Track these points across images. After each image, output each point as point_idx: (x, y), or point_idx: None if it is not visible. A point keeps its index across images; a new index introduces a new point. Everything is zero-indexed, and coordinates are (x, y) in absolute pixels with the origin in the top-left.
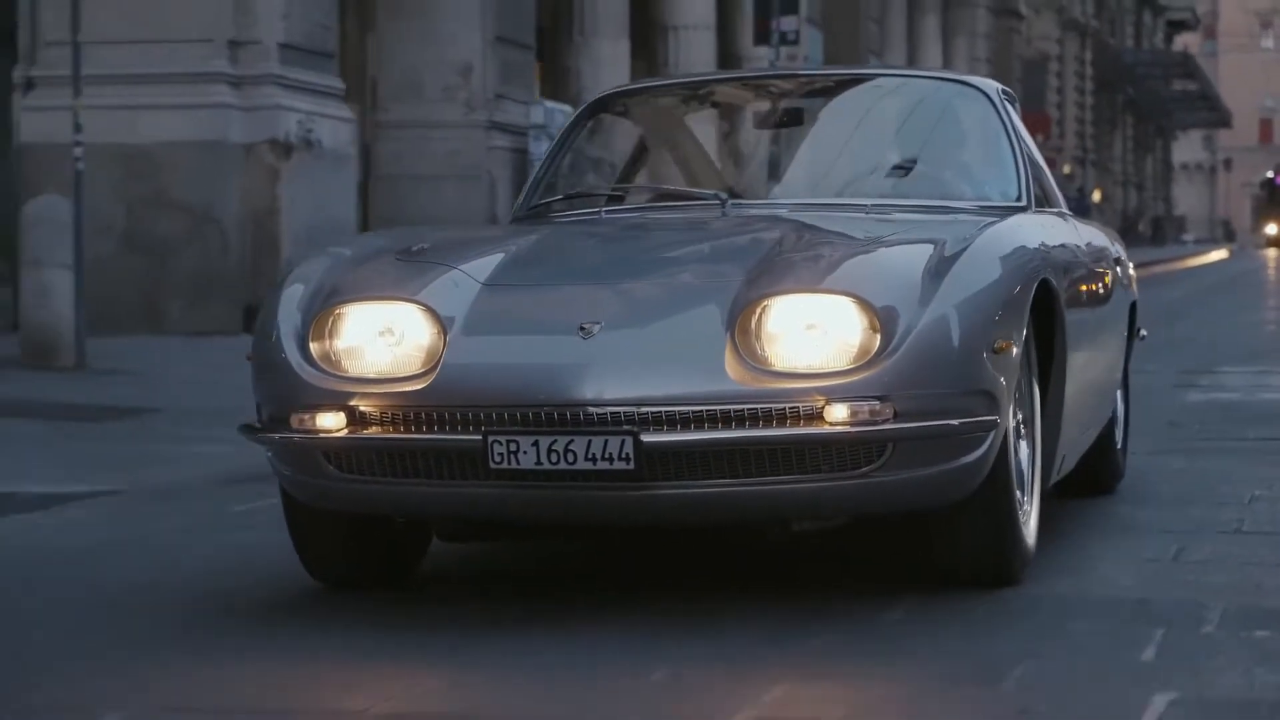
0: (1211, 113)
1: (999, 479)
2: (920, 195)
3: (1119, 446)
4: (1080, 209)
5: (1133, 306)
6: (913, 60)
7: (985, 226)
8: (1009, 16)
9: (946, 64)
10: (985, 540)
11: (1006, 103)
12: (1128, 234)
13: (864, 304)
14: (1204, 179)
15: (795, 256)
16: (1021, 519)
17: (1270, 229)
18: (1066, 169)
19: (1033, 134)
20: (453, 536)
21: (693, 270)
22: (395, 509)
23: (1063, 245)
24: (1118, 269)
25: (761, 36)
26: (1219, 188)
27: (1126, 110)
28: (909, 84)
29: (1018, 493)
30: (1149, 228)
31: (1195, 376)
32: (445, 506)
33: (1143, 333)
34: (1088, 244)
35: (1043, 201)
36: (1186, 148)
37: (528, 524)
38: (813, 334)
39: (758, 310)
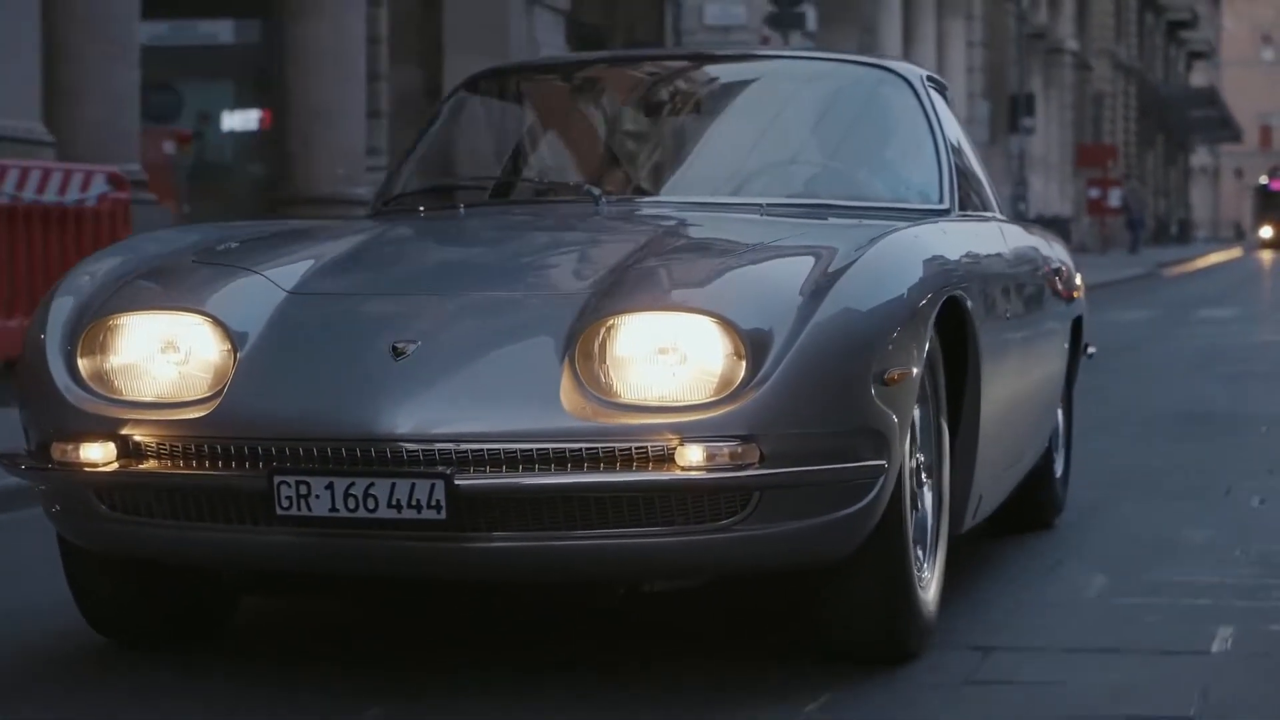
0: (1226, 129)
1: (889, 533)
2: (827, 195)
3: (1058, 475)
4: (1137, 223)
5: (1077, 321)
6: (907, 39)
7: (883, 235)
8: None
9: (940, 47)
10: (872, 608)
11: (932, 91)
12: (1160, 235)
13: (727, 325)
14: (1208, 181)
15: (653, 267)
16: (919, 581)
17: (1265, 232)
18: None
19: (1100, 162)
20: (245, 588)
21: (533, 281)
22: (174, 556)
23: (983, 255)
24: (1057, 280)
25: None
26: (1223, 190)
27: (1158, 131)
28: (821, 68)
29: (915, 550)
30: (1177, 229)
31: None
32: (228, 555)
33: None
34: (1016, 253)
35: (971, 204)
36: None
37: (322, 577)
38: (666, 360)
39: (601, 330)
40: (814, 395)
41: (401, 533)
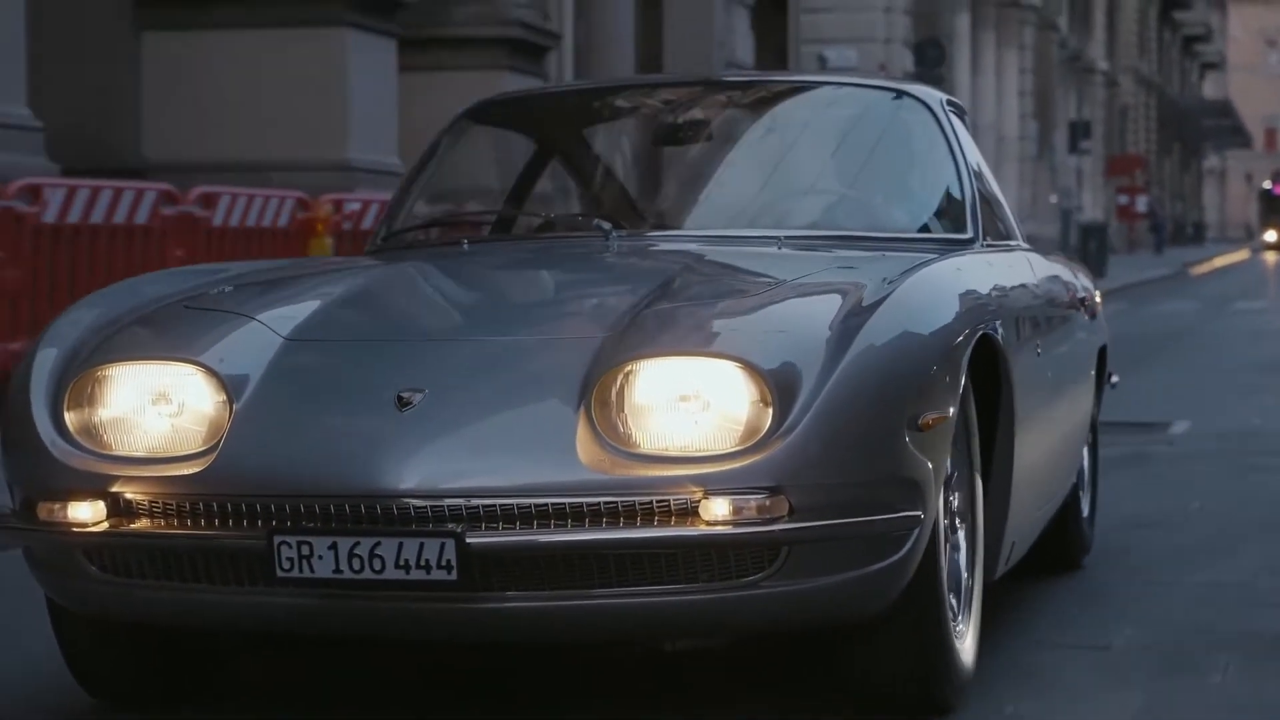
0: (1237, 136)
1: (925, 586)
2: (848, 225)
3: (1085, 515)
4: (1161, 226)
5: (1101, 351)
6: (974, 70)
7: (913, 269)
8: (1050, 29)
9: (998, 75)
10: (908, 663)
11: (952, 115)
12: (1178, 236)
13: (752, 370)
14: (1216, 183)
15: (672, 309)
16: (955, 633)
17: (1269, 235)
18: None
19: (1128, 171)
20: (241, 647)
21: (544, 325)
22: (168, 619)
23: (1014, 288)
24: (1083, 309)
25: None
26: (1230, 192)
27: (1175, 140)
28: (837, 93)
29: (950, 599)
30: (1192, 230)
31: None
32: (225, 618)
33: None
34: (1044, 284)
35: (995, 233)
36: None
37: (326, 639)
38: (689, 408)
39: (619, 377)
40: (845, 443)
41: (410, 594)
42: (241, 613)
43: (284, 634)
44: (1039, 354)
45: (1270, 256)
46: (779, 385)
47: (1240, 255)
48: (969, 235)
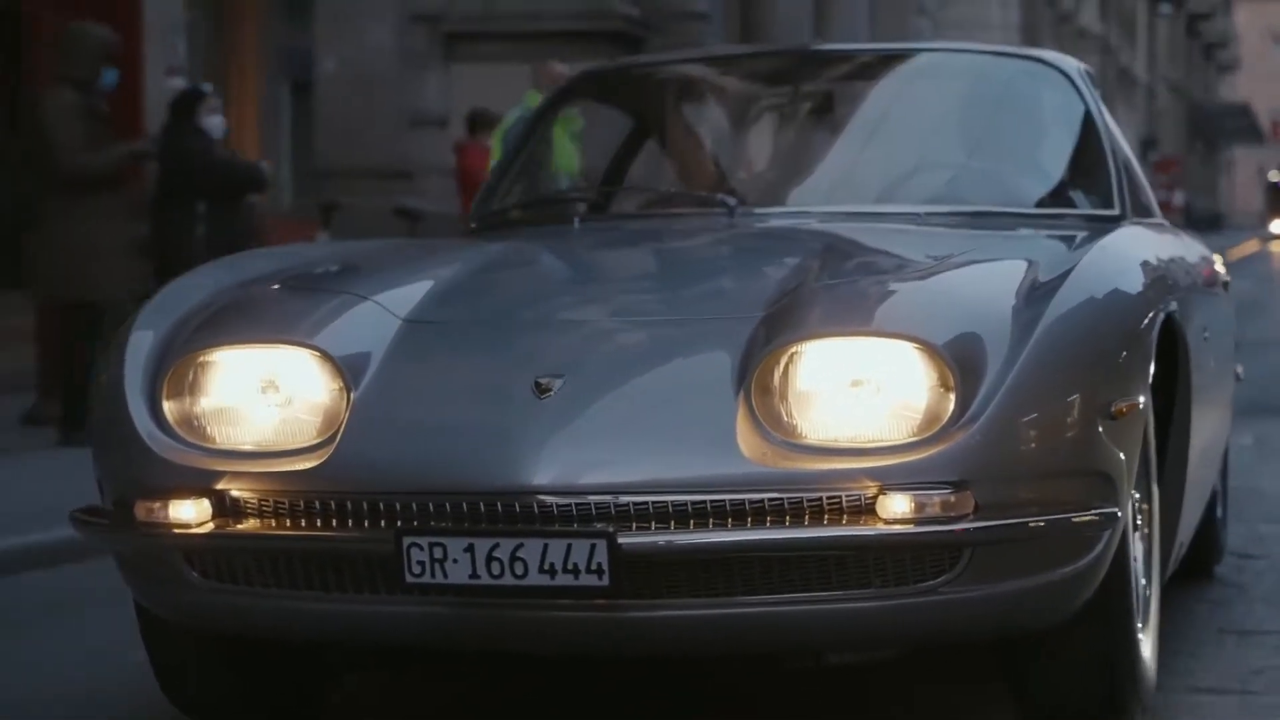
0: (1255, 135)
1: (1114, 589)
2: (986, 201)
3: (1219, 517)
4: (1194, 216)
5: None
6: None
7: (1087, 242)
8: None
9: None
10: (1094, 676)
11: (1091, 84)
12: (1197, 226)
13: (932, 351)
14: (1228, 174)
15: (836, 285)
16: (1141, 640)
17: (1275, 226)
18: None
19: (1167, 170)
20: (352, 664)
21: (691, 304)
22: (278, 631)
23: (1176, 266)
24: (1224, 290)
25: None
26: (1238, 180)
27: (1197, 139)
28: (966, 61)
29: (1135, 604)
30: (1212, 219)
31: None
32: (343, 630)
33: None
34: (1200, 262)
35: (1139, 208)
36: None
37: (458, 652)
38: (860, 394)
39: (783, 360)
40: (1035, 433)
41: (555, 601)
42: (362, 624)
43: (405, 649)
44: (1206, 338)
45: (1277, 247)
46: (962, 368)
47: (1254, 245)
48: (1116, 211)
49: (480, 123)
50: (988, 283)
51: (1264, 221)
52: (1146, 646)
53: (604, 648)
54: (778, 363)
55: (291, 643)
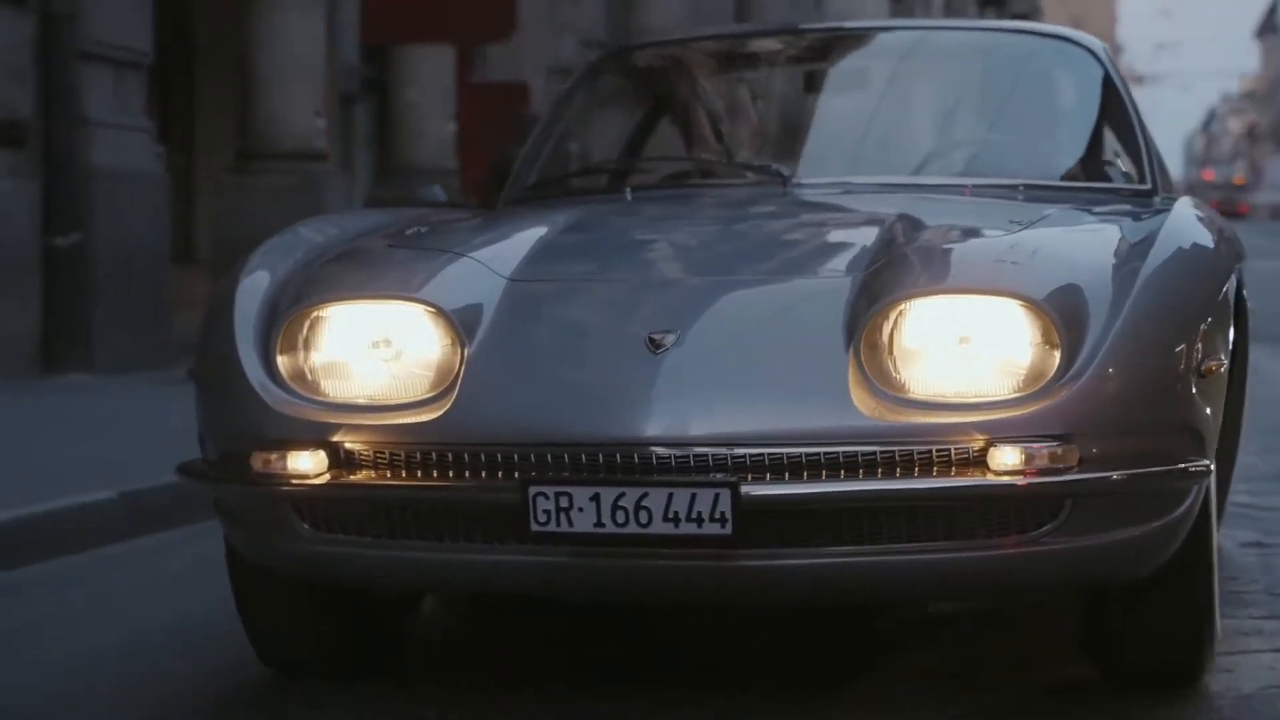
0: None
1: (1198, 544)
2: (1027, 174)
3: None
4: None
5: None
6: None
7: (1157, 210)
8: None
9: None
10: (1174, 629)
11: (1114, 64)
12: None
13: (1036, 309)
14: None
15: (934, 245)
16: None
17: None
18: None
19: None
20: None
21: (785, 264)
22: (392, 582)
23: (1232, 235)
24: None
25: None
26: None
27: None
28: (994, 39)
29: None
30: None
31: None
32: (465, 580)
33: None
34: (1234, 236)
35: (1165, 185)
36: None
37: (578, 601)
38: (966, 350)
39: (892, 317)
40: (1135, 389)
41: (678, 550)
42: (482, 573)
43: (525, 597)
44: (1246, 301)
45: None
46: (1066, 325)
47: None
48: (1148, 186)
49: None
50: (1083, 242)
51: None
52: (1215, 604)
53: (721, 597)
54: (886, 319)
55: (401, 592)
